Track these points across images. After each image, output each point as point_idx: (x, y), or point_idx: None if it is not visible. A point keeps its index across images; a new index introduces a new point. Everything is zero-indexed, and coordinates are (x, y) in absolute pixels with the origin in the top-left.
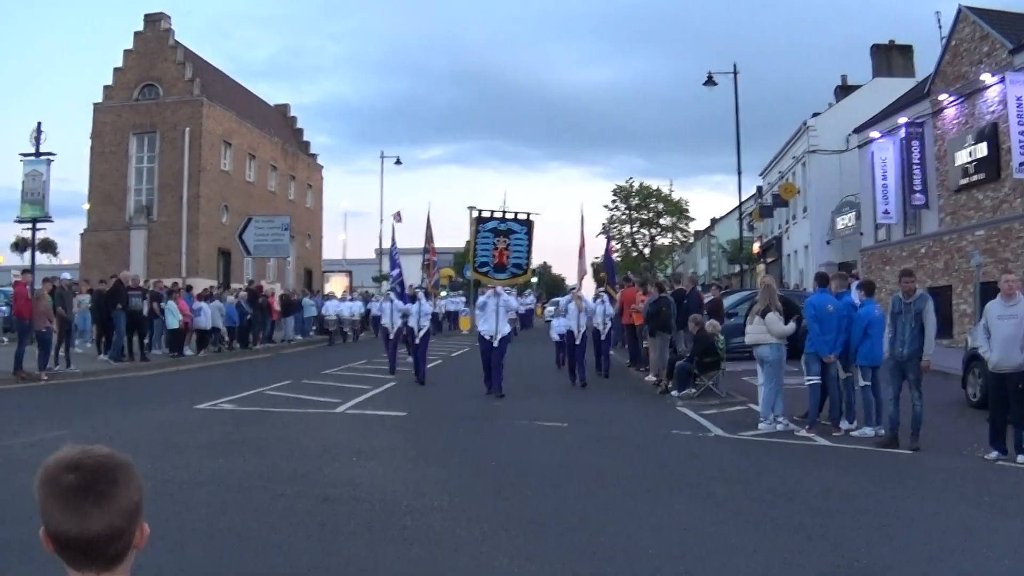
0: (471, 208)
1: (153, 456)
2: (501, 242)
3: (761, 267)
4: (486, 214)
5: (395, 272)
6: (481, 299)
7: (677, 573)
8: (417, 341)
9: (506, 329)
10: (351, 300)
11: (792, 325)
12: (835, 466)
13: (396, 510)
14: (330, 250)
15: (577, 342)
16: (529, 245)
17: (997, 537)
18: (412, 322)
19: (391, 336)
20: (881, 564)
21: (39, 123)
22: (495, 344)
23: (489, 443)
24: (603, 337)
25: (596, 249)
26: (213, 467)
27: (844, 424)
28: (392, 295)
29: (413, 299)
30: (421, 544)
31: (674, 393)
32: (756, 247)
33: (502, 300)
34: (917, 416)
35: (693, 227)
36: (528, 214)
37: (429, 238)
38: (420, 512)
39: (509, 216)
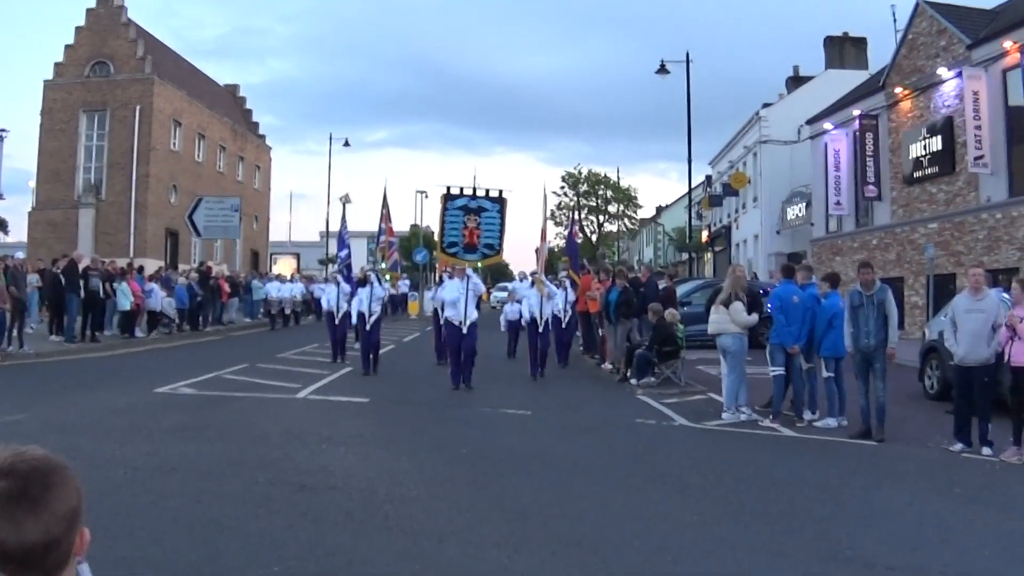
0: (420, 193)
1: (120, 442)
2: (471, 221)
3: (709, 255)
4: (455, 191)
5: (343, 253)
6: (448, 281)
7: (666, 564)
8: (368, 327)
9: (475, 314)
10: (292, 282)
11: (755, 316)
12: (803, 457)
13: (375, 499)
14: (276, 232)
15: (540, 330)
16: (502, 224)
17: (974, 528)
18: (363, 307)
19: (336, 322)
20: (867, 555)
21: None
22: (464, 331)
23: (456, 431)
24: (564, 325)
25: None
26: (182, 453)
27: (807, 415)
28: (339, 277)
29: (364, 282)
30: (406, 535)
31: (633, 381)
32: (705, 235)
33: (472, 283)
34: (881, 407)
35: (641, 214)
36: (500, 191)
37: (386, 217)
38: (400, 501)
39: (480, 193)
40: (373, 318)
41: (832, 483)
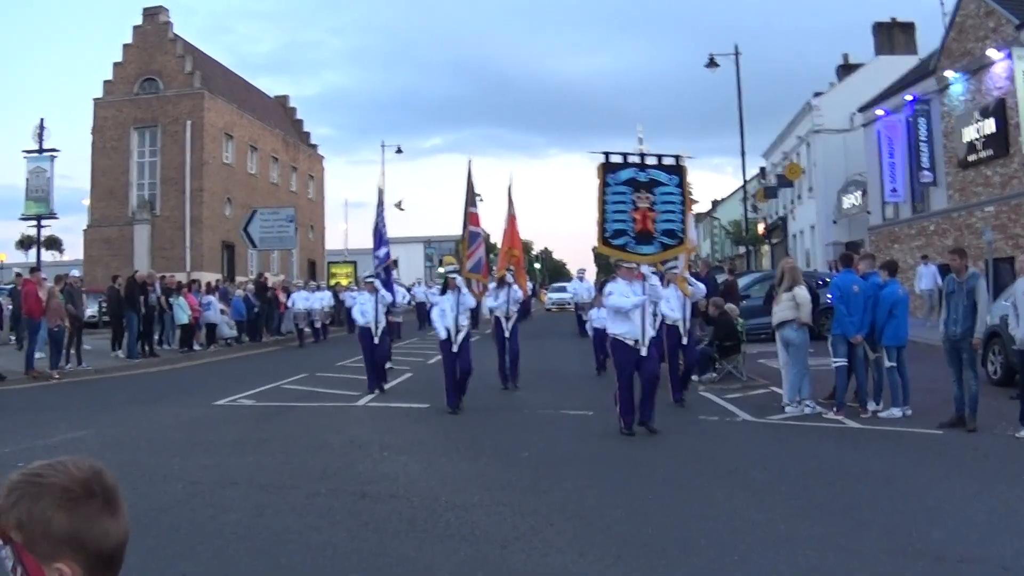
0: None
1: (181, 455)
2: (643, 200)
3: (766, 248)
4: (616, 159)
5: (382, 252)
6: (611, 286)
7: (733, 563)
8: (455, 347)
9: (652, 331)
10: (321, 290)
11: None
12: (868, 448)
13: (436, 506)
14: (333, 240)
15: (684, 341)
16: (684, 202)
17: None
18: (447, 321)
19: (374, 339)
20: (937, 547)
21: (41, 119)
22: (643, 352)
23: (517, 434)
24: (684, 340)
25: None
26: (243, 465)
27: (871, 405)
28: (377, 283)
29: (444, 289)
30: (468, 542)
31: (694, 377)
32: (761, 228)
33: (650, 286)
34: (974, 396)
35: (696, 209)
36: (677, 157)
37: (471, 201)
38: (462, 508)
39: (651, 161)
40: (461, 335)
41: (898, 475)
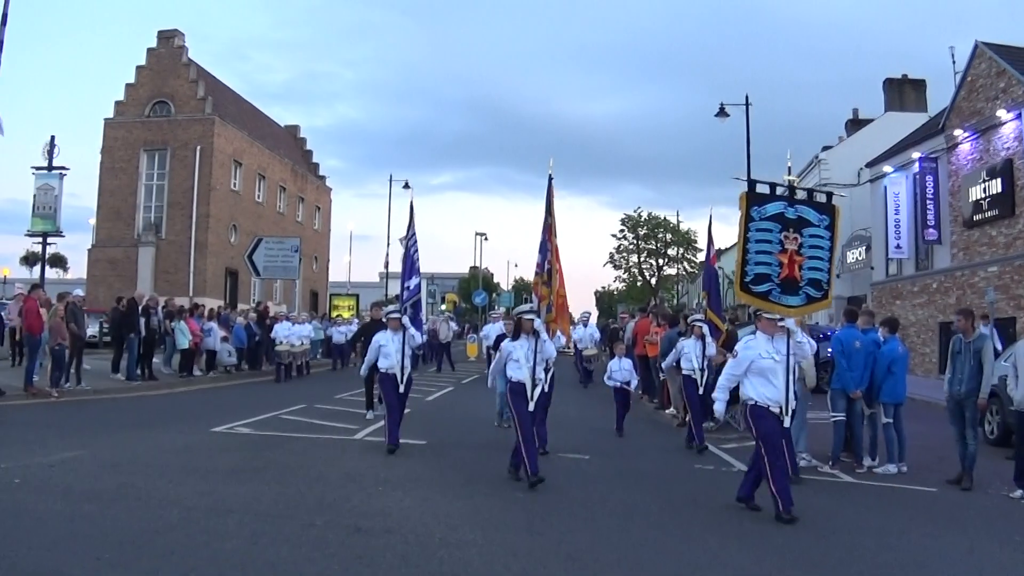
0: (480, 235)
1: (176, 481)
2: (790, 240)
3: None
4: (763, 189)
5: (413, 283)
6: (748, 343)
7: None
8: (531, 405)
9: (794, 401)
10: (302, 323)
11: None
12: (863, 503)
13: (430, 543)
14: (337, 272)
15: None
16: (832, 247)
17: None
18: (520, 374)
19: (400, 387)
20: None
21: (52, 137)
22: (786, 424)
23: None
24: (700, 389)
25: (603, 278)
26: (239, 494)
27: (867, 461)
28: (404, 319)
29: (517, 333)
30: None
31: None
32: None
33: (796, 343)
34: (972, 455)
35: (700, 257)
36: (830, 194)
37: (551, 229)
38: (455, 546)
39: (800, 196)
40: (538, 390)
41: (891, 530)
